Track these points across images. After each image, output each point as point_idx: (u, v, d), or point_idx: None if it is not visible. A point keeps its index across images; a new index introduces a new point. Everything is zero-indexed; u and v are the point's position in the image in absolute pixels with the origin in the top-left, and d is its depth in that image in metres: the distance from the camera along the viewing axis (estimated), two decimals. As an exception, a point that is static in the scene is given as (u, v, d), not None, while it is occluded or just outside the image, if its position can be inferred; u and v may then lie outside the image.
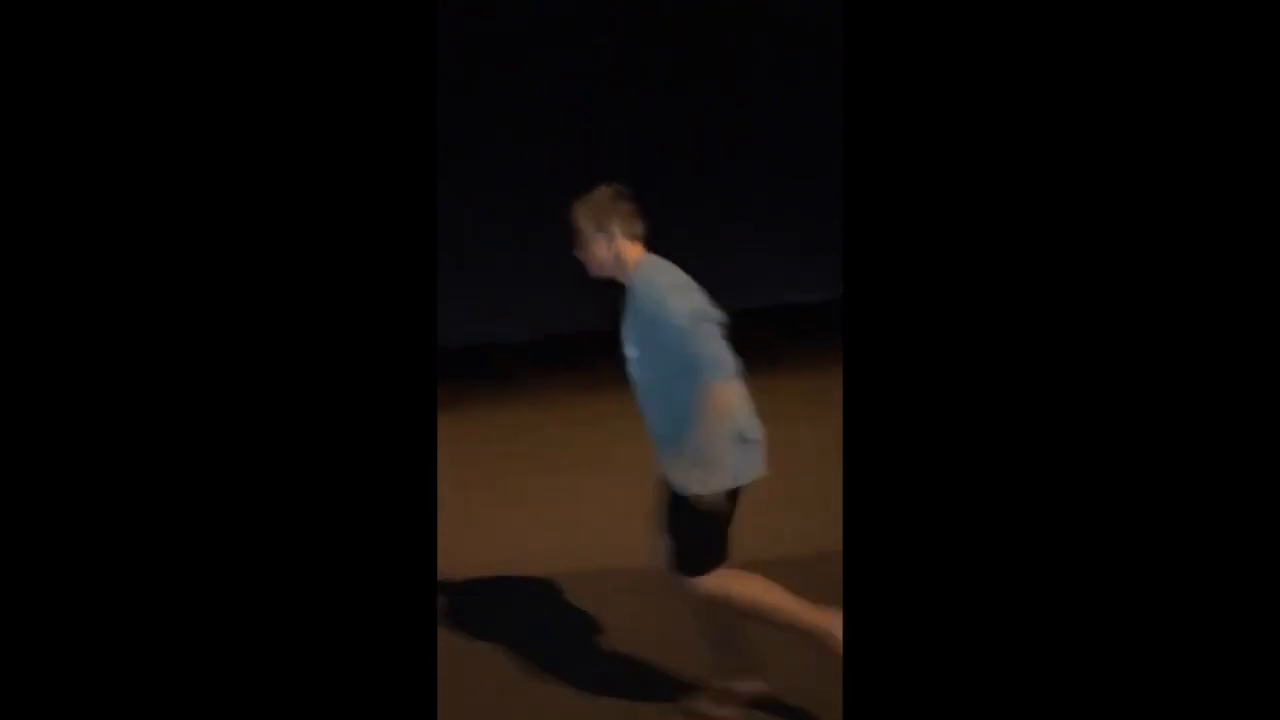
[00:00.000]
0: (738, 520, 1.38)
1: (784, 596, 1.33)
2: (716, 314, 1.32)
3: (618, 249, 1.42)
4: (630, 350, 1.40)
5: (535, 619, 2.12)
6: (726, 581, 1.34)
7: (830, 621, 1.28)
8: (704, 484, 1.28)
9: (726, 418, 1.27)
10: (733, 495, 1.33)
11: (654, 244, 1.46)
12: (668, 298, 1.31)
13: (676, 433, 1.31)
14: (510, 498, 3.55)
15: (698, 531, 1.32)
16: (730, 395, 1.28)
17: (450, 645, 1.77)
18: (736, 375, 1.28)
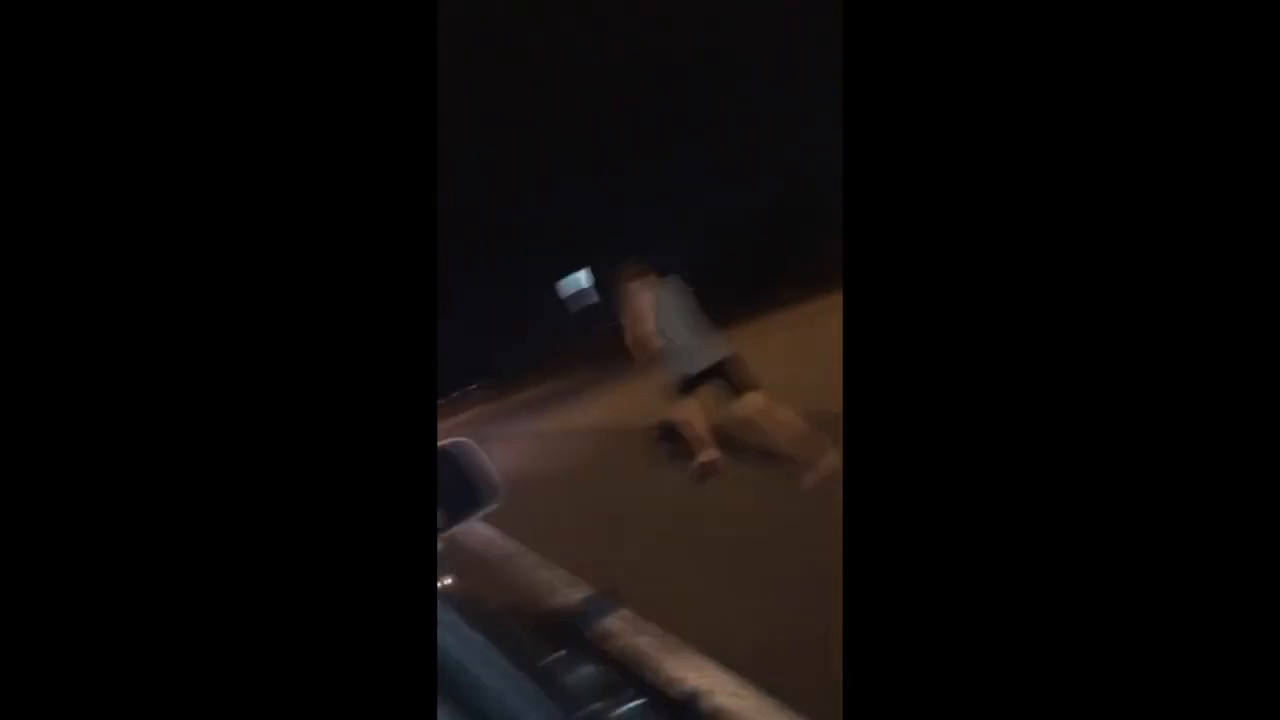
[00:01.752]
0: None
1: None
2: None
3: (628, 299, 3.23)
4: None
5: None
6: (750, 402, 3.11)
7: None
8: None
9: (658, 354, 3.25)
10: (712, 370, 3.13)
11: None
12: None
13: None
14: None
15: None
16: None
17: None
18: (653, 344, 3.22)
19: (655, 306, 3.19)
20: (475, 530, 4.15)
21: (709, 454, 3.36)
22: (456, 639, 0.44)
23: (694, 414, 3.32)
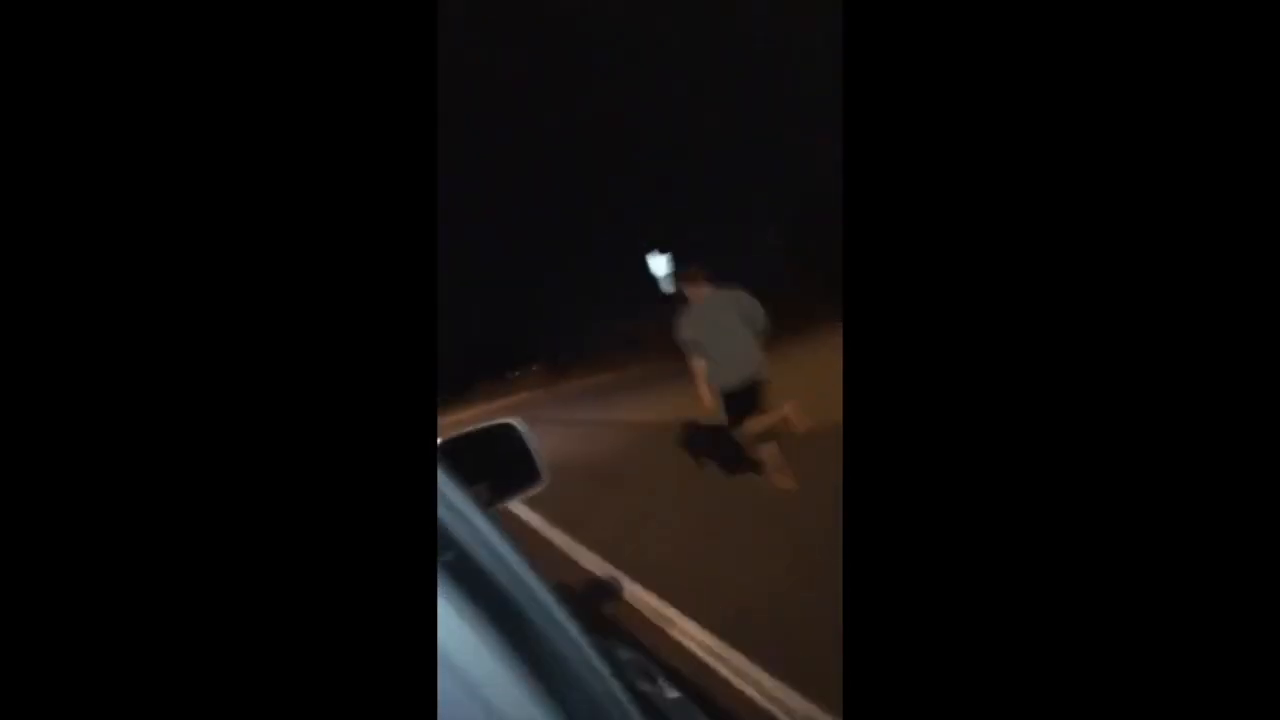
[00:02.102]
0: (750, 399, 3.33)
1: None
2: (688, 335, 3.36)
3: (690, 298, 3.40)
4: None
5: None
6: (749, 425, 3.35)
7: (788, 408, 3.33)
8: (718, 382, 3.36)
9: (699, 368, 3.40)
10: (742, 391, 3.32)
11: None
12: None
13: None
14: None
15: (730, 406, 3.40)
16: (695, 367, 3.39)
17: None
18: (691, 350, 3.36)
19: (697, 317, 3.32)
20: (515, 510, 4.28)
21: (784, 478, 3.44)
22: (525, 596, 0.44)
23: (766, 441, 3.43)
